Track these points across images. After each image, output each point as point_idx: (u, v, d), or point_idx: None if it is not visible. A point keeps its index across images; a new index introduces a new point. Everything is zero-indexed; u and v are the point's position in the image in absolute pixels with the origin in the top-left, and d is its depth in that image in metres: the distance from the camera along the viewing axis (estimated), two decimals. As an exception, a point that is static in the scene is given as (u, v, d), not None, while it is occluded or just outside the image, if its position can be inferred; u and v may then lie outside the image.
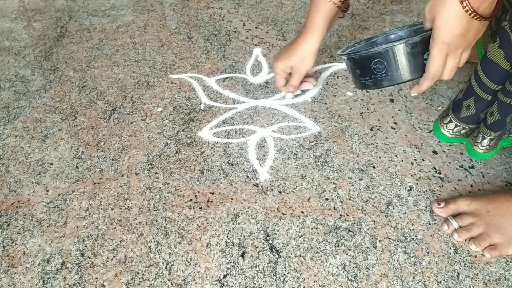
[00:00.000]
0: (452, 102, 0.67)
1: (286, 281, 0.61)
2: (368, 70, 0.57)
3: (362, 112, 0.84)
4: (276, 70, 0.80)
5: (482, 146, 0.63)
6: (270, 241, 0.65)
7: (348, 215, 0.68)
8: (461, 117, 0.64)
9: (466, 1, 0.47)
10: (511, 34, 0.52)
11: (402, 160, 0.75)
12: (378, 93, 0.88)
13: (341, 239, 0.65)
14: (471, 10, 0.47)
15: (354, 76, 0.60)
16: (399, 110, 0.84)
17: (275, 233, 0.66)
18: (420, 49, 0.53)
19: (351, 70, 0.61)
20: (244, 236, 0.66)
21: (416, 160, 0.75)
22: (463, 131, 0.66)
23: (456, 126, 0.66)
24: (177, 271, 0.62)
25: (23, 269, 0.64)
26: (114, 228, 0.68)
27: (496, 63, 0.55)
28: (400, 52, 0.53)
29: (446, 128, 0.68)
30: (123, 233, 0.67)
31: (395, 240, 0.65)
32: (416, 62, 0.54)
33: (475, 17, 0.48)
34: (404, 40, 0.53)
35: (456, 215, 0.65)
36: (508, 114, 0.58)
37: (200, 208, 0.70)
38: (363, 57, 0.56)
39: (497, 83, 0.57)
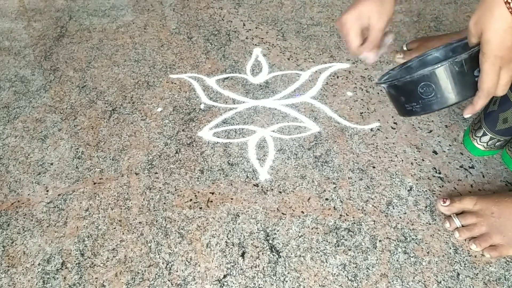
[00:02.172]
0: (483, 113, 0.63)
1: (286, 281, 0.61)
2: (414, 95, 0.53)
3: (362, 112, 0.84)
4: (347, 25, 0.59)
5: None
6: (270, 241, 0.65)
7: (348, 215, 0.68)
8: (496, 129, 0.61)
9: None
10: None
11: (402, 160, 0.75)
12: (378, 93, 0.88)
13: (341, 239, 0.65)
14: None
15: (398, 103, 0.56)
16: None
17: (275, 233, 0.66)
18: (469, 67, 0.50)
19: (393, 98, 0.57)
20: (244, 236, 0.66)
21: (416, 160, 0.75)
22: (498, 143, 0.63)
23: (491, 138, 0.63)
24: (177, 271, 0.62)
25: (23, 269, 0.64)
26: (114, 228, 0.68)
27: None
28: (448, 72, 0.50)
29: (480, 142, 0.64)
30: (123, 233, 0.67)
31: (395, 240, 0.65)
32: (467, 81, 0.51)
33: None
34: (452, 59, 0.49)
35: (459, 213, 0.65)
36: None
37: (200, 208, 0.70)
38: (408, 82, 0.52)
39: None
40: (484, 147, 0.65)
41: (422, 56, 0.62)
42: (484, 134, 0.64)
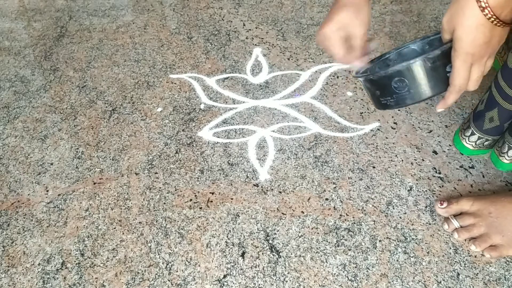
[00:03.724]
0: (472, 113, 0.64)
1: (286, 281, 0.61)
2: (388, 89, 0.54)
3: (362, 112, 0.84)
4: (328, 37, 0.58)
5: (508, 157, 0.60)
6: (270, 241, 0.65)
7: (348, 215, 0.68)
8: (484, 129, 0.62)
9: (488, 9, 0.45)
10: None
11: (402, 160, 0.75)
12: (378, 93, 0.87)
13: (341, 239, 0.65)
14: (494, 17, 0.45)
15: (374, 96, 0.57)
16: (399, 110, 0.84)
17: (275, 233, 0.66)
18: (442, 62, 0.51)
19: (369, 91, 0.58)
20: (244, 236, 0.66)
21: (416, 160, 0.75)
22: (486, 143, 0.63)
23: (479, 138, 0.63)
24: (177, 271, 0.62)
25: (23, 269, 0.64)
26: (114, 228, 0.68)
27: None
28: (422, 67, 0.51)
29: (469, 141, 0.65)
30: (123, 233, 0.67)
31: (395, 240, 0.65)
32: (439, 76, 0.52)
33: (498, 24, 0.46)
34: (425, 55, 0.50)
35: (457, 215, 0.65)
36: None
37: (200, 208, 0.70)
38: (382, 77, 0.53)
39: None
40: (473, 146, 0.66)
41: (400, 48, 0.63)
42: (472, 134, 0.64)
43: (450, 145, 0.77)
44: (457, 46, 0.48)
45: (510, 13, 0.47)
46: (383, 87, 0.54)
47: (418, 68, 0.51)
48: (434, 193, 0.70)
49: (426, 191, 0.71)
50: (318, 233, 0.66)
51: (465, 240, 0.64)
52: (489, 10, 0.45)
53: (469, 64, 0.49)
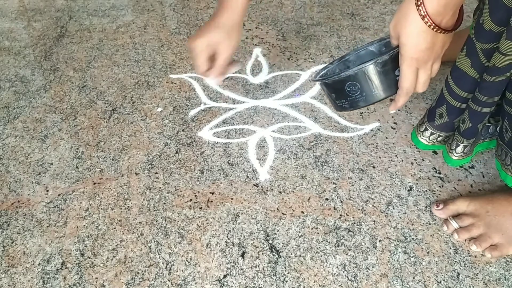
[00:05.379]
0: (427, 110, 0.67)
1: (286, 281, 0.61)
2: (342, 93, 0.56)
3: (362, 112, 0.84)
4: (196, 51, 0.65)
5: (456, 153, 0.63)
6: (270, 241, 0.65)
7: (348, 215, 0.68)
8: (435, 124, 0.64)
9: (427, 18, 0.46)
10: (476, 43, 0.52)
11: (402, 160, 0.75)
12: (378, 93, 0.88)
13: (341, 239, 0.65)
14: (433, 25, 0.47)
15: (330, 99, 0.60)
16: (399, 110, 0.84)
17: (275, 233, 0.66)
18: (391, 67, 0.53)
19: (327, 94, 0.61)
20: (244, 236, 0.66)
21: (416, 160, 0.75)
22: (439, 138, 0.66)
23: (431, 133, 0.66)
24: (177, 271, 0.62)
25: (23, 269, 0.64)
26: (114, 228, 0.68)
27: (464, 72, 0.55)
28: (371, 72, 0.53)
29: (423, 136, 0.68)
30: (123, 233, 0.67)
31: (395, 240, 0.65)
32: (389, 80, 0.54)
33: (439, 31, 0.48)
34: (374, 60, 0.52)
35: (455, 216, 0.65)
36: (479, 122, 0.58)
37: (200, 208, 0.70)
38: (336, 81, 0.56)
39: (467, 91, 0.57)
40: (426, 141, 0.68)
41: (358, 50, 0.65)
42: (426, 129, 0.67)
43: (450, 145, 0.77)
44: (402, 51, 0.50)
45: (451, 20, 0.49)
46: (337, 91, 0.57)
47: (368, 73, 0.53)
48: (434, 193, 0.70)
49: (426, 191, 0.71)
50: (318, 233, 0.66)
51: (465, 240, 0.64)
52: (428, 19, 0.47)
53: (415, 68, 0.51)
